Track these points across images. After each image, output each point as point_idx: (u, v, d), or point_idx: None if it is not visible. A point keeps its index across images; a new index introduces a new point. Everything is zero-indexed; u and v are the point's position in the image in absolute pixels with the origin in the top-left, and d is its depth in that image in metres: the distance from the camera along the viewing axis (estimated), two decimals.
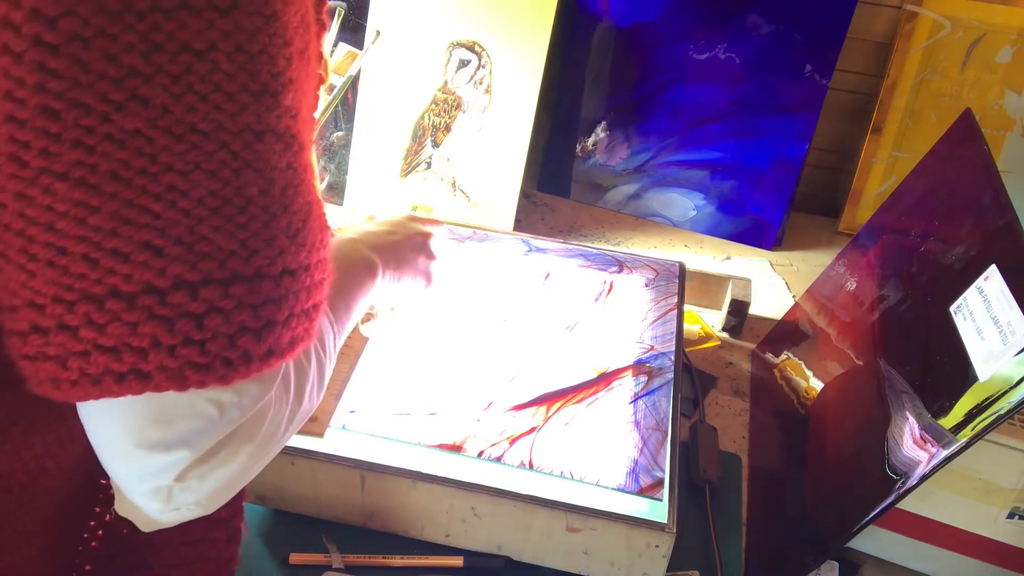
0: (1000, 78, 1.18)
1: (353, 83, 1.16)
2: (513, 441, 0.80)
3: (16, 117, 0.37)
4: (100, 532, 0.53)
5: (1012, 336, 0.66)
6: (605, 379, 0.88)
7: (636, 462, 0.79)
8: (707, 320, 1.12)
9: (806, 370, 0.96)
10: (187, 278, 0.40)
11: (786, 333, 1.06)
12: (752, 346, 1.09)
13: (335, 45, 1.06)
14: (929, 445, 0.70)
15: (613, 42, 1.25)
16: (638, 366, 0.90)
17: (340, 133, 1.22)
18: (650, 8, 1.22)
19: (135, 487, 0.45)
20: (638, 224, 1.31)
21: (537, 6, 1.13)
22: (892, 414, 0.76)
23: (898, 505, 0.71)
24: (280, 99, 0.42)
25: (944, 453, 0.67)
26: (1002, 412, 0.64)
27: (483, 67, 1.17)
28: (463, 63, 1.17)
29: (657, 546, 0.74)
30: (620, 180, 1.31)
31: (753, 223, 1.28)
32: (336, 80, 1.05)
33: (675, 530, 0.74)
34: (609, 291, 1.01)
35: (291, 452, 0.77)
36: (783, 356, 1.02)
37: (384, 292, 0.74)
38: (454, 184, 1.21)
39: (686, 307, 1.06)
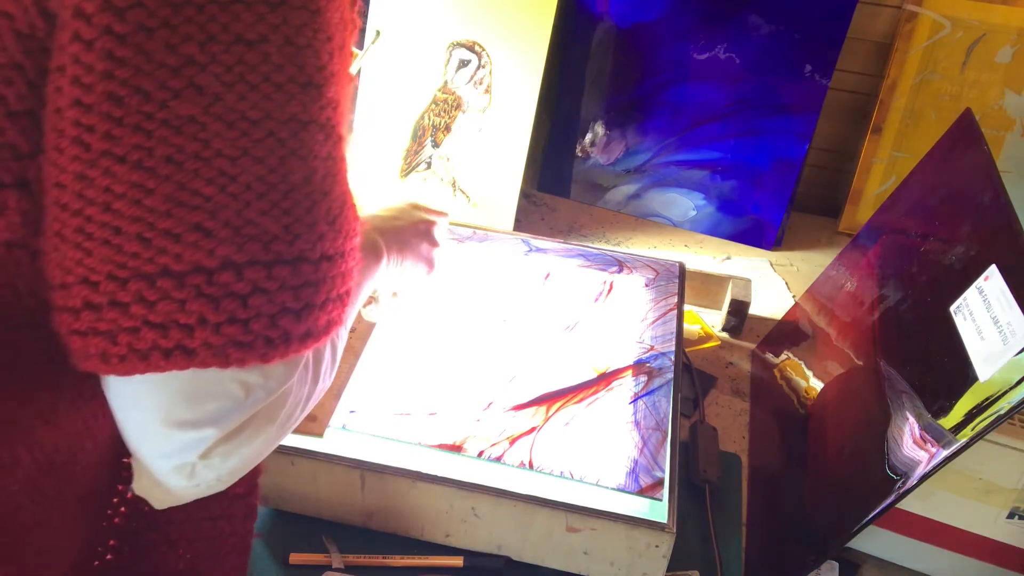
0: (1000, 78, 1.18)
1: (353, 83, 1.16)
2: (513, 441, 0.80)
3: (83, 102, 0.39)
4: (123, 509, 0.55)
5: (1012, 336, 0.66)
6: (605, 379, 0.88)
7: (636, 462, 0.79)
8: (707, 320, 1.12)
9: (806, 370, 0.96)
10: (234, 259, 0.42)
11: (786, 333, 1.06)
12: (752, 346, 1.09)
13: None
14: (929, 445, 0.70)
15: (613, 42, 1.25)
16: (638, 366, 0.90)
17: None
18: (650, 8, 1.22)
19: (161, 464, 0.47)
20: (638, 224, 1.31)
21: (537, 6, 1.13)
22: (892, 414, 0.76)
23: (898, 505, 0.71)
24: (323, 91, 0.44)
25: (944, 453, 0.67)
26: (1002, 412, 0.64)
27: (483, 67, 1.17)
28: (463, 63, 1.17)
29: (657, 546, 0.74)
30: (620, 180, 1.31)
31: (753, 223, 1.28)
32: None
33: (675, 530, 0.74)
34: (609, 291, 1.01)
35: (291, 452, 0.77)
36: (783, 356, 1.02)
37: (387, 276, 0.76)
38: (454, 184, 1.21)
39: (686, 307, 1.06)
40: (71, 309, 0.42)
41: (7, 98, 0.41)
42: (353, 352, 0.86)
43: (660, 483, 0.77)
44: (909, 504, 0.80)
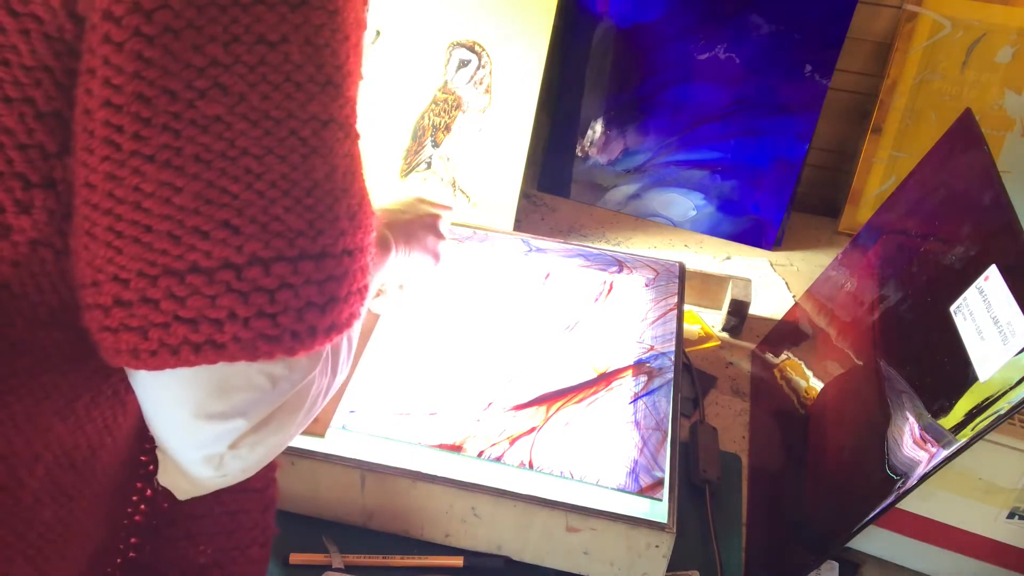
0: (1000, 78, 1.18)
1: None
2: (513, 441, 0.80)
3: (113, 102, 0.40)
4: (143, 506, 0.56)
5: (1012, 336, 0.66)
6: (605, 379, 0.88)
7: (636, 462, 0.79)
8: (707, 320, 1.12)
9: (806, 370, 0.96)
10: (261, 255, 0.43)
11: (786, 333, 1.06)
12: (752, 346, 1.09)
13: None
14: (929, 445, 0.70)
15: (613, 42, 1.25)
16: (638, 366, 0.90)
17: None
18: (650, 8, 1.22)
19: (190, 455, 0.48)
20: (638, 224, 1.31)
21: (537, 6, 1.13)
22: (892, 414, 0.76)
23: (898, 505, 0.71)
24: (342, 90, 0.45)
25: (944, 453, 0.68)
26: (1002, 412, 0.64)
27: (483, 67, 1.17)
28: (463, 63, 1.17)
29: (657, 546, 0.74)
30: (620, 180, 1.31)
31: (753, 223, 1.28)
32: None
33: (675, 530, 0.74)
34: (609, 291, 1.01)
35: (291, 452, 0.77)
36: (783, 356, 1.02)
37: (394, 269, 0.77)
38: (454, 184, 1.21)
39: (686, 307, 1.06)
40: (102, 306, 0.43)
41: (36, 100, 0.42)
42: None
43: (660, 483, 0.77)
44: (909, 504, 0.80)
